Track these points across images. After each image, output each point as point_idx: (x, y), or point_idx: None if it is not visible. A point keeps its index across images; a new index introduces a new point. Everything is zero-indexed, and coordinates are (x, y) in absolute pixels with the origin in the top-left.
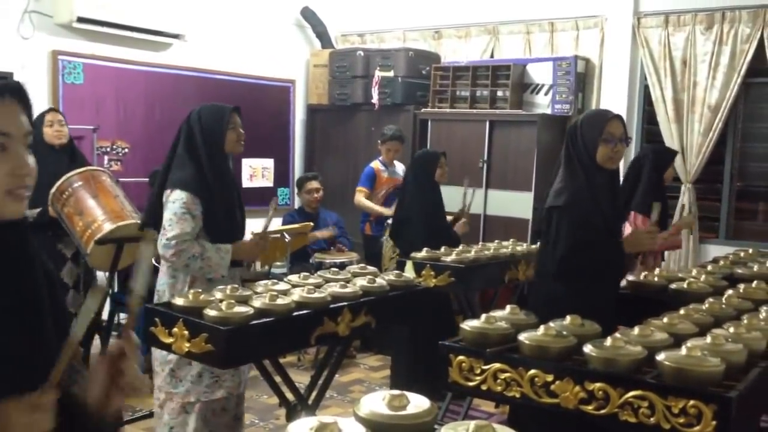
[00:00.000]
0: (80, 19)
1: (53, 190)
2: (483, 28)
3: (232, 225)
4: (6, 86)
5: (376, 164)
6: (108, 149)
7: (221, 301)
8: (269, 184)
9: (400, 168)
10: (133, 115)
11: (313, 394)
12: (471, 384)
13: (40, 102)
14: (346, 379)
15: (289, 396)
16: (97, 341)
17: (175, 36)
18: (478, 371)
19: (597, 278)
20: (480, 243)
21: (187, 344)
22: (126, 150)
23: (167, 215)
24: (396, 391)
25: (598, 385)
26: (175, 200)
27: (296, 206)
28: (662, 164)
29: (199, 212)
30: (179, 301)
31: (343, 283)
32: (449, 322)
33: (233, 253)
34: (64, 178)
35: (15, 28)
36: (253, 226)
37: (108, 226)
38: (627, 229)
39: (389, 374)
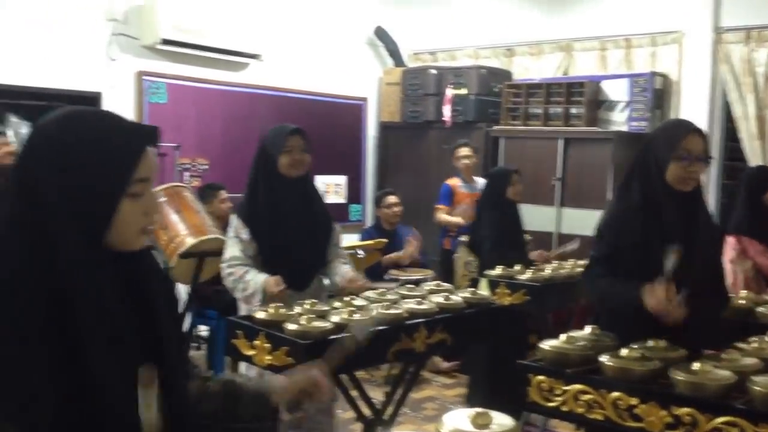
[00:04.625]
0: (164, 41)
1: None
2: (556, 45)
3: (287, 250)
4: (148, 134)
5: (452, 181)
6: (189, 166)
7: (301, 315)
8: (342, 200)
9: (480, 183)
10: (212, 133)
11: (389, 409)
12: (551, 404)
13: None
14: (419, 396)
15: (365, 411)
16: None
17: (253, 56)
18: (559, 392)
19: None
20: (555, 262)
21: (269, 357)
22: (205, 167)
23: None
24: (480, 409)
25: (685, 410)
26: (229, 224)
27: (369, 223)
28: (757, 186)
29: (247, 236)
30: (260, 315)
31: (419, 299)
32: (523, 341)
33: (263, 283)
34: None
35: (104, 51)
36: None
37: (190, 241)
38: (728, 254)
39: (463, 392)
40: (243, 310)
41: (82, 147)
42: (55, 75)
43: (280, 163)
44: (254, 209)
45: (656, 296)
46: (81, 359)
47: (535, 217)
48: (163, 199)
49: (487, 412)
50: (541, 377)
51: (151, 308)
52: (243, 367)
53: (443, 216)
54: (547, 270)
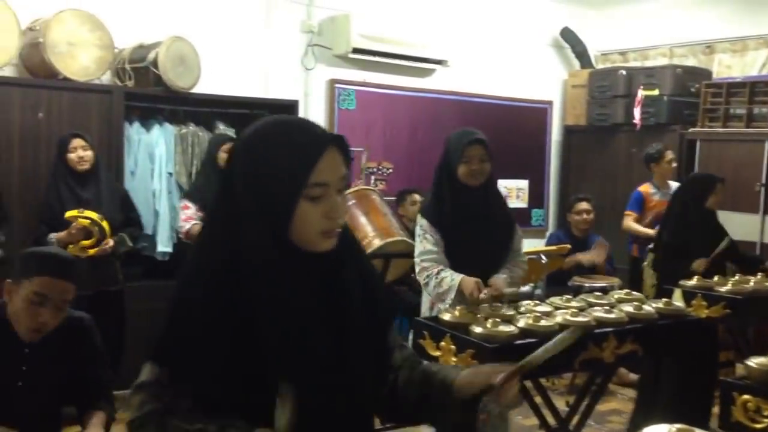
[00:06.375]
0: (355, 50)
1: None
2: (762, 41)
3: (468, 254)
4: (330, 137)
5: (645, 187)
6: (375, 170)
7: (486, 318)
8: (524, 205)
9: (675, 188)
10: (398, 138)
11: (574, 419)
12: (758, 426)
13: None
14: (603, 408)
15: (549, 420)
16: None
17: (439, 62)
18: (767, 413)
19: None
20: (759, 273)
21: (454, 358)
22: (390, 170)
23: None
24: (681, 425)
25: None
26: (418, 223)
27: (552, 228)
28: None
29: (436, 236)
30: (446, 317)
31: (607, 308)
32: (712, 357)
33: (460, 283)
34: None
35: (300, 61)
36: None
37: (377, 242)
38: None
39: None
40: (425, 310)
41: (268, 149)
42: (257, 85)
43: (459, 172)
44: (440, 212)
45: None
46: (258, 348)
47: (736, 225)
48: (352, 202)
49: (691, 429)
50: (747, 396)
51: (344, 309)
52: None
53: (631, 224)
54: (752, 282)
